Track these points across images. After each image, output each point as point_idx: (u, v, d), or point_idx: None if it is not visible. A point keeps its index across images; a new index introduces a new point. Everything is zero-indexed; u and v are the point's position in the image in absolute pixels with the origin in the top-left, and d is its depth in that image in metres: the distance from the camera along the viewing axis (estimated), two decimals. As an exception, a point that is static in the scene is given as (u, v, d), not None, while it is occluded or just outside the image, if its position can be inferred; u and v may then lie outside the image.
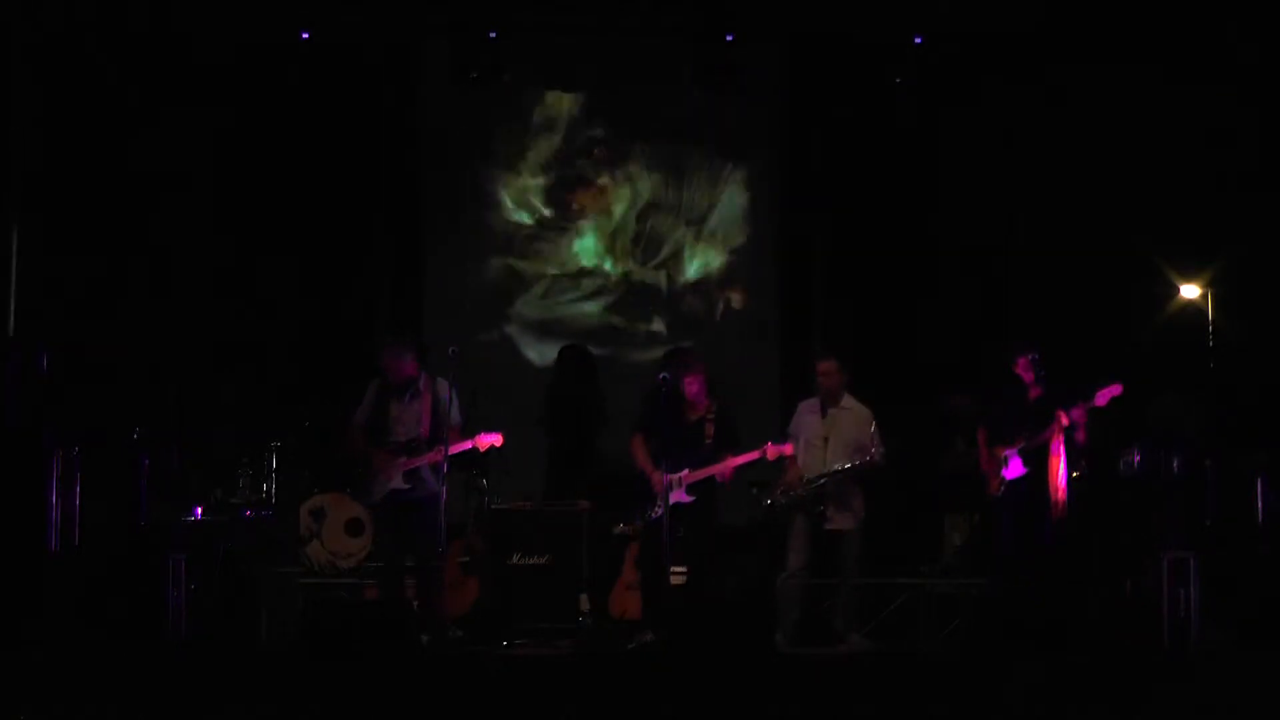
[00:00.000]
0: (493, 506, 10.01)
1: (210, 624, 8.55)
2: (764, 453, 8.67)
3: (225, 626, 8.67)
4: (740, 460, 8.68)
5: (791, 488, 8.86)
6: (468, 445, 8.53)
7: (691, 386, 8.73)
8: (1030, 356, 8.81)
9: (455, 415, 8.64)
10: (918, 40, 11.37)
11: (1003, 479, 8.88)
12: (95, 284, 10.52)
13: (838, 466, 8.80)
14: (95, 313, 10.46)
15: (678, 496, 8.55)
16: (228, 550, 8.73)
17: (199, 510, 8.87)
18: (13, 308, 10.31)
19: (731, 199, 12.10)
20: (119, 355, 10.32)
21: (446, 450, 8.37)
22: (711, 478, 8.71)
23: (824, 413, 8.96)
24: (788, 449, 8.71)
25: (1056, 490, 8.61)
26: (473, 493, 9.93)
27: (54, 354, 9.11)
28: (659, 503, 8.64)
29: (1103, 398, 8.49)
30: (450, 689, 7.68)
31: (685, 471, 8.61)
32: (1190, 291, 10.56)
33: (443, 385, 8.66)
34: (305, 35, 11.21)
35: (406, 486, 8.59)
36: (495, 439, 8.59)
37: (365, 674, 7.88)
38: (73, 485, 8.61)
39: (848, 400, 9.01)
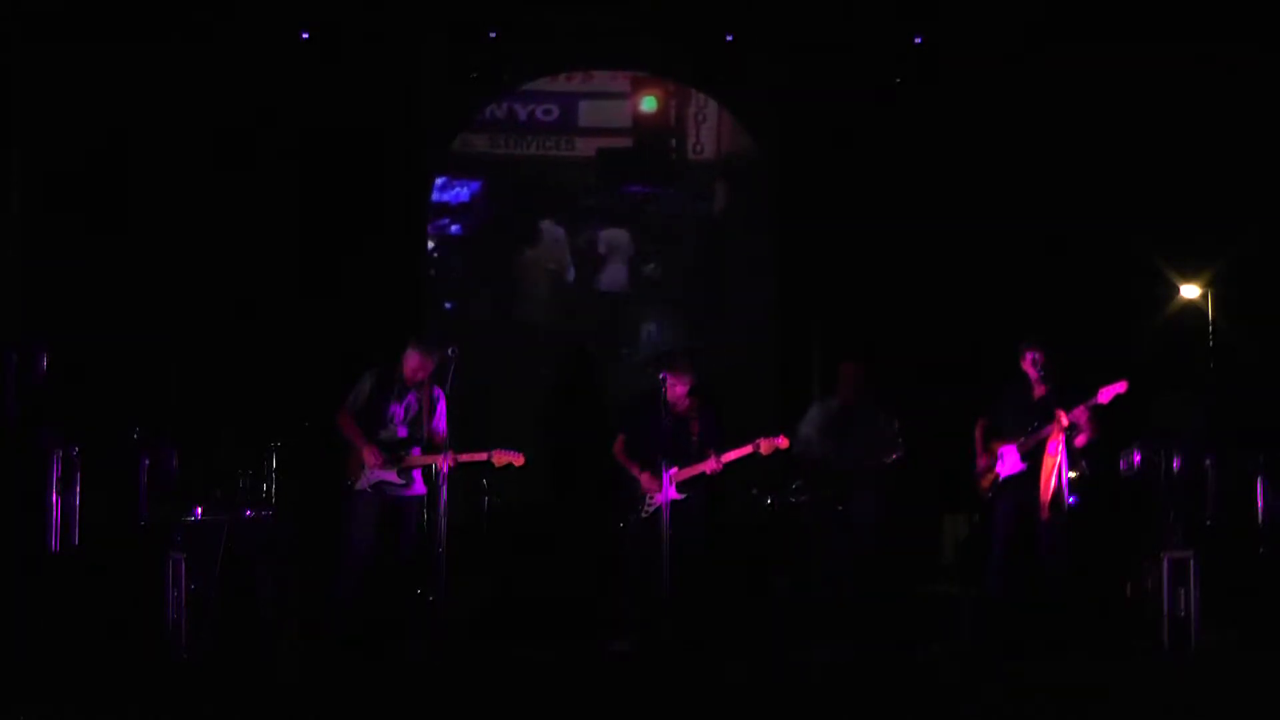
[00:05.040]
0: (493, 505, 10.04)
1: (210, 624, 8.54)
2: (757, 447, 8.71)
3: (225, 627, 8.66)
4: (731, 456, 8.75)
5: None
6: (481, 457, 8.57)
7: (676, 387, 8.79)
8: (1036, 354, 8.83)
9: (443, 424, 8.71)
10: (918, 40, 11.39)
11: (996, 475, 8.91)
12: (95, 284, 10.50)
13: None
14: (95, 313, 10.45)
15: (669, 494, 8.58)
16: (228, 550, 8.71)
17: (199, 510, 8.86)
18: (13, 308, 10.30)
19: (729, 197, 12.13)
20: (119, 355, 10.31)
21: (456, 458, 8.40)
22: (702, 474, 8.77)
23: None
24: (781, 442, 8.76)
25: (1045, 491, 8.61)
26: (473, 492, 9.96)
27: (53, 354, 9.10)
28: (648, 502, 8.75)
29: (1106, 395, 8.50)
30: (448, 691, 7.68)
31: (674, 469, 8.65)
32: (1190, 291, 10.57)
33: (439, 391, 8.73)
34: (305, 35, 11.22)
35: (400, 482, 8.62)
36: (515, 458, 8.59)
37: (364, 674, 7.89)
38: (73, 485, 8.59)
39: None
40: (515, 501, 10.53)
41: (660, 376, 8.76)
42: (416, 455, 8.67)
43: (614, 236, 12.17)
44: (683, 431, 8.83)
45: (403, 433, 8.71)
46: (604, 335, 12.05)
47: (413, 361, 8.71)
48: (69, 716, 6.71)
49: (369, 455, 8.59)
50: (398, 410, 8.72)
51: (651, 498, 8.79)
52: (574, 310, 12.11)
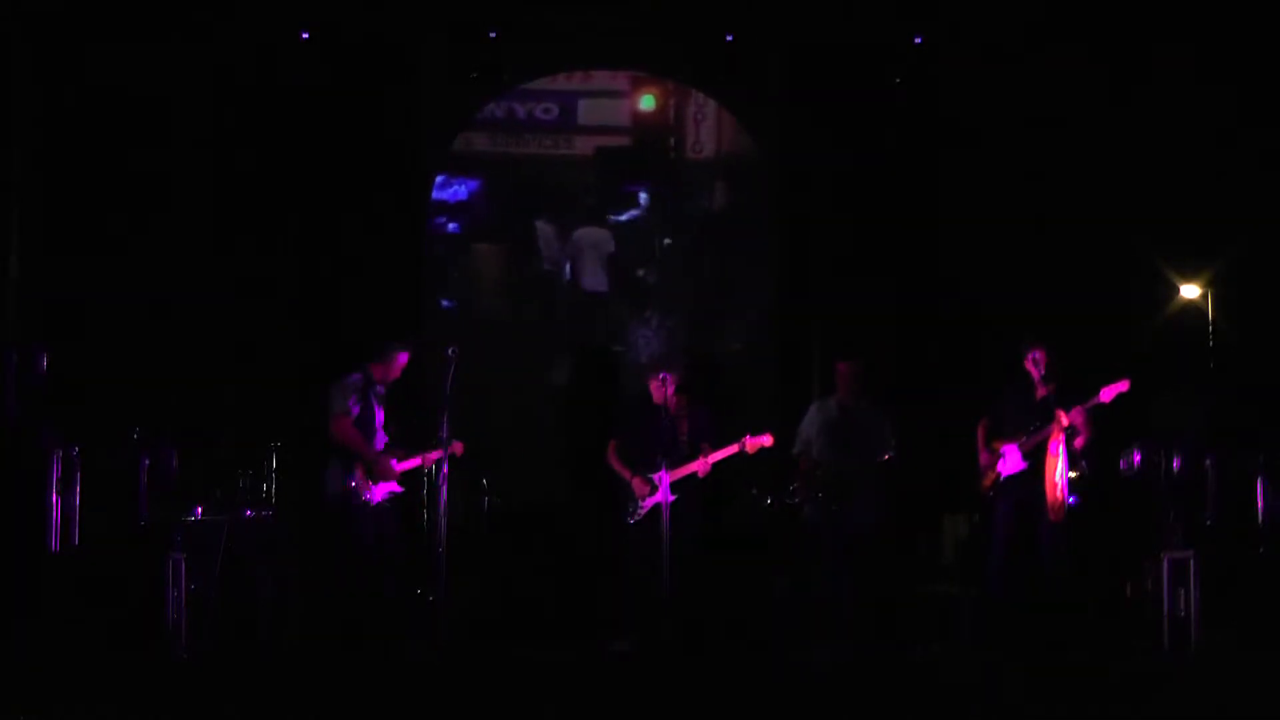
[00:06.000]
0: (493, 505, 10.03)
1: (210, 624, 8.55)
2: (743, 446, 8.74)
3: (225, 627, 8.67)
4: (719, 455, 8.78)
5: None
6: (459, 449, 8.60)
7: (658, 389, 8.80)
8: (1038, 353, 8.84)
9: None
10: (918, 40, 11.39)
11: (997, 475, 8.91)
12: (95, 284, 10.50)
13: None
14: (95, 313, 10.45)
15: (662, 496, 8.58)
16: (228, 550, 8.72)
17: (199, 510, 8.87)
18: (12, 308, 10.30)
19: (729, 197, 12.12)
20: (118, 355, 10.31)
21: (445, 454, 8.44)
22: (694, 475, 8.78)
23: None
24: (766, 439, 8.79)
25: (1052, 492, 8.61)
26: (473, 492, 9.96)
27: (53, 354, 9.10)
28: (639, 506, 8.77)
29: (1108, 394, 8.51)
30: (448, 691, 7.68)
31: (664, 471, 8.66)
32: (1190, 291, 10.56)
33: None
34: (305, 35, 11.22)
35: (401, 490, 8.72)
36: (457, 447, 8.61)
37: (363, 675, 7.89)
38: (73, 485, 8.60)
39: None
40: (515, 501, 10.52)
41: (662, 376, 8.79)
42: (421, 459, 8.75)
43: (586, 235, 12.11)
44: (672, 433, 8.85)
45: (385, 437, 8.79)
46: (601, 335, 12.03)
47: (400, 363, 8.76)
48: (69, 716, 6.70)
49: (384, 466, 8.60)
50: (379, 414, 8.76)
51: (640, 502, 8.82)
52: (571, 310, 12.10)
